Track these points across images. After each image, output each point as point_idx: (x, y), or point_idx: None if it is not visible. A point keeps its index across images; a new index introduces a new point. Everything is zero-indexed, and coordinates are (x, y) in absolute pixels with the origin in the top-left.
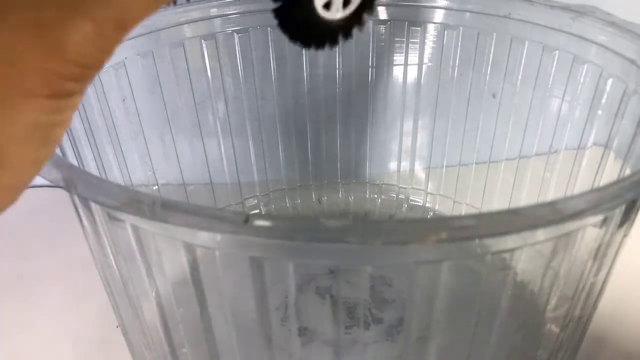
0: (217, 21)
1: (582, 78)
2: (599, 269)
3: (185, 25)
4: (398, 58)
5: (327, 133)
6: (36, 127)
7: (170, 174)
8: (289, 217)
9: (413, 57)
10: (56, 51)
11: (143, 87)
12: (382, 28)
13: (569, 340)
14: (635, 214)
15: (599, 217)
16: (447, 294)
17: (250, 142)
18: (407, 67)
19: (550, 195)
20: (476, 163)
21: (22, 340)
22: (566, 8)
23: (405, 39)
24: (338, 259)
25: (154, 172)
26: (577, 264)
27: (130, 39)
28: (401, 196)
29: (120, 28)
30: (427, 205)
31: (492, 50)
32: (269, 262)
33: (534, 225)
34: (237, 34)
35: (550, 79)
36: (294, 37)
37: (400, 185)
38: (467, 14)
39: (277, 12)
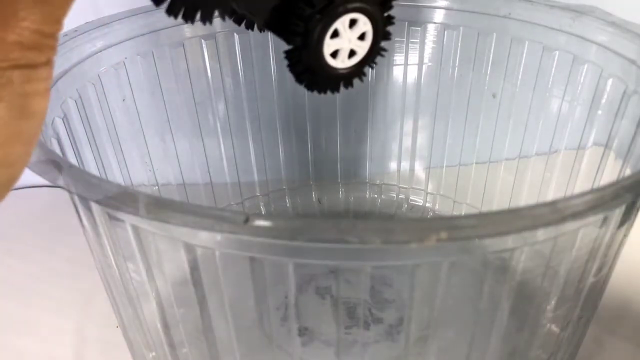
0: (217, 21)
1: (582, 78)
2: (599, 269)
3: (185, 25)
4: (398, 58)
5: (327, 133)
6: (7, 96)
7: (170, 174)
8: (289, 217)
9: (413, 57)
10: (10, 21)
11: (143, 87)
12: None
13: (569, 340)
14: (635, 214)
15: (599, 217)
16: (447, 294)
17: (250, 142)
18: (407, 67)
19: (550, 195)
20: (476, 163)
21: (22, 340)
22: (566, 8)
23: (405, 39)
24: (338, 259)
25: (154, 172)
26: (577, 264)
27: (130, 39)
28: (401, 196)
29: None
30: (427, 205)
31: (492, 50)
32: (269, 262)
33: (534, 225)
34: (237, 34)
35: (550, 79)
36: (300, 79)
37: (400, 185)
38: (467, 14)
39: (288, 55)
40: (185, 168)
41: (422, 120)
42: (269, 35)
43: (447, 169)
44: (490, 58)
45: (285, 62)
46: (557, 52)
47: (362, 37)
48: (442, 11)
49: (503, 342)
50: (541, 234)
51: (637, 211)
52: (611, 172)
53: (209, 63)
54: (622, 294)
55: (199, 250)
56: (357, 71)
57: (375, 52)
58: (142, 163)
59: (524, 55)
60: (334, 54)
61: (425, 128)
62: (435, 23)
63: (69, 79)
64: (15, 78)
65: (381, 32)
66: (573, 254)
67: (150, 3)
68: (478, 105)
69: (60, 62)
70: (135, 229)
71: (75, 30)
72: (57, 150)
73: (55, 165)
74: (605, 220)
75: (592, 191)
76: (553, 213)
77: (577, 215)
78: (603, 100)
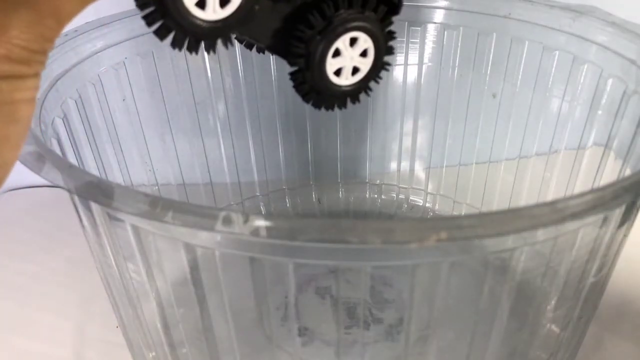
0: None
1: (582, 78)
2: (599, 269)
3: None
4: (398, 58)
5: (327, 133)
6: None
7: (170, 174)
8: (289, 217)
9: (413, 57)
10: (1, 35)
11: (143, 87)
12: None
13: (569, 340)
14: (635, 214)
15: (599, 217)
16: (447, 294)
17: (250, 142)
18: (407, 67)
19: (550, 195)
20: (476, 163)
21: (22, 340)
22: (566, 8)
23: (405, 39)
24: (338, 259)
25: (154, 172)
26: (577, 264)
27: (130, 39)
28: (401, 196)
29: (57, 20)
30: (427, 205)
31: (492, 50)
32: (268, 262)
33: (534, 225)
34: None
35: (550, 79)
36: (306, 99)
37: (400, 185)
38: (467, 14)
39: (292, 76)
40: (185, 168)
41: (422, 120)
42: None
43: (447, 169)
44: (490, 58)
45: (284, 62)
46: (557, 52)
47: (364, 53)
48: (442, 11)
49: (503, 342)
50: (541, 234)
51: (637, 211)
52: (611, 172)
53: (209, 63)
54: (622, 294)
55: (199, 250)
56: (363, 86)
57: (379, 67)
58: (142, 163)
59: (524, 55)
60: (338, 72)
61: (425, 128)
62: (435, 23)
63: (69, 79)
64: (3, 87)
65: (383, 48)
66: (573, 254)
67: None
68: (478, 105)
69: (60, 62)
70: (135, 229)
71: (75, 30)
72: (57, 150)
73: (55, 165)
74: (605, 220)
75: (592, 191)
76: (553, 213)
77: (577, 215)
78: (603, 100)
